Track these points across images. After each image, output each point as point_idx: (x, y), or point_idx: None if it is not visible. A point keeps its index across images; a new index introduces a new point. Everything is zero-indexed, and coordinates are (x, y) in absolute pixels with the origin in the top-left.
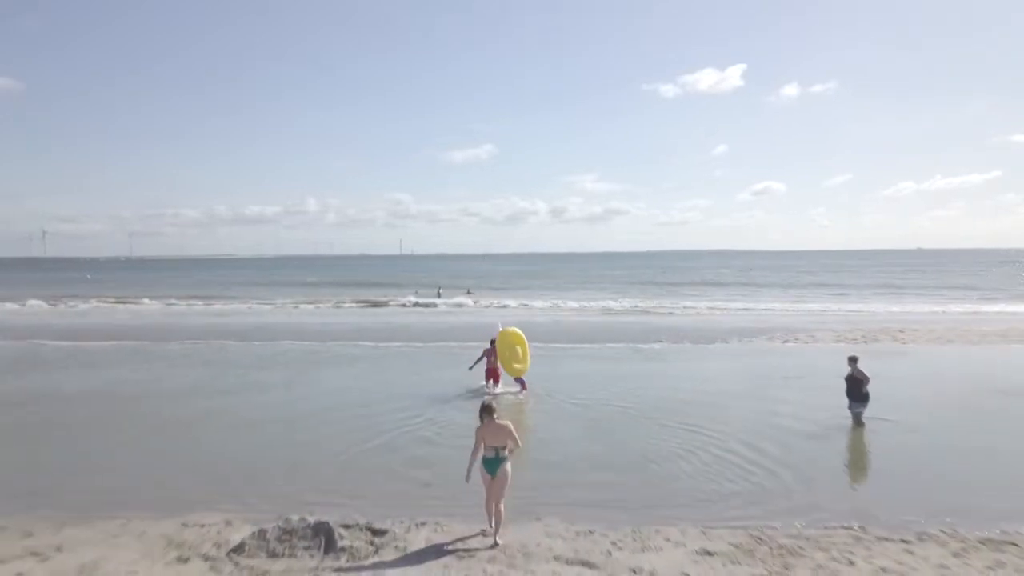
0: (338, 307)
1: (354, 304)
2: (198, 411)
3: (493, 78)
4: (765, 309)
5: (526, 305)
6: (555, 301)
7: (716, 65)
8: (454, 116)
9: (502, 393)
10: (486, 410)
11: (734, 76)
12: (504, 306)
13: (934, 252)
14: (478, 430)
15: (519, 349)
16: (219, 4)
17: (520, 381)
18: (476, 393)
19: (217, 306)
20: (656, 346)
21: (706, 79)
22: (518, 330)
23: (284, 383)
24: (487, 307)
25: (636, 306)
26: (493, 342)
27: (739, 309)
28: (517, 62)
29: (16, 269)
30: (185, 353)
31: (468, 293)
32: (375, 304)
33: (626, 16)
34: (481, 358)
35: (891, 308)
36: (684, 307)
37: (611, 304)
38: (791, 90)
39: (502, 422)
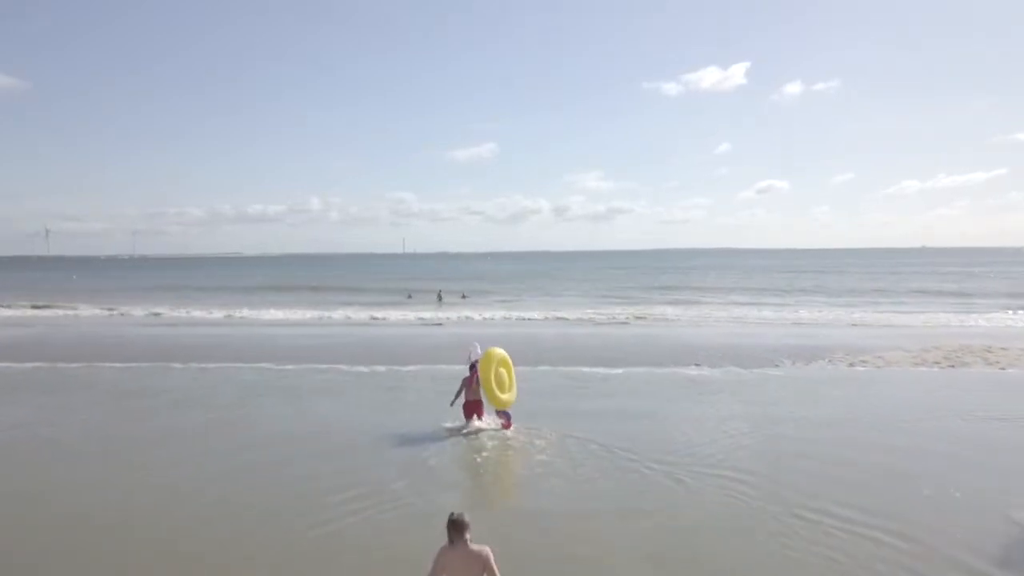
0: (324, 315)
1: (342, 309)
2: (37, 482)
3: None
4: (806, 321)
5: (524, 318)
6: (559, 308)
7: (719, 63)
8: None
9: (485, 429)
10: (456, 527)
11: (737, 74)
12: (506, 318)
13: (939, 251)
14: (438, 557)
15: (504, 374)
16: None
17: (505, 415)
18: (456, 443)
19: (180, 313)
20: (697, 371)
21: (709, 77)
22: (502, 351)
23: (199, 429)
24: (487, 319)
25: (653, 315)
26: (474, 366)
27: (774, 319)
28: (519, 61)
29: (5, 269)
30: (88, 381)
31: (463, 297)
32: (370, 307)
33: (628, 15)
34: (461, 390)
35: (954, 318)
36: (707, 316)
37: (623, 312)
38: (794, 88)
39: (476, 548)
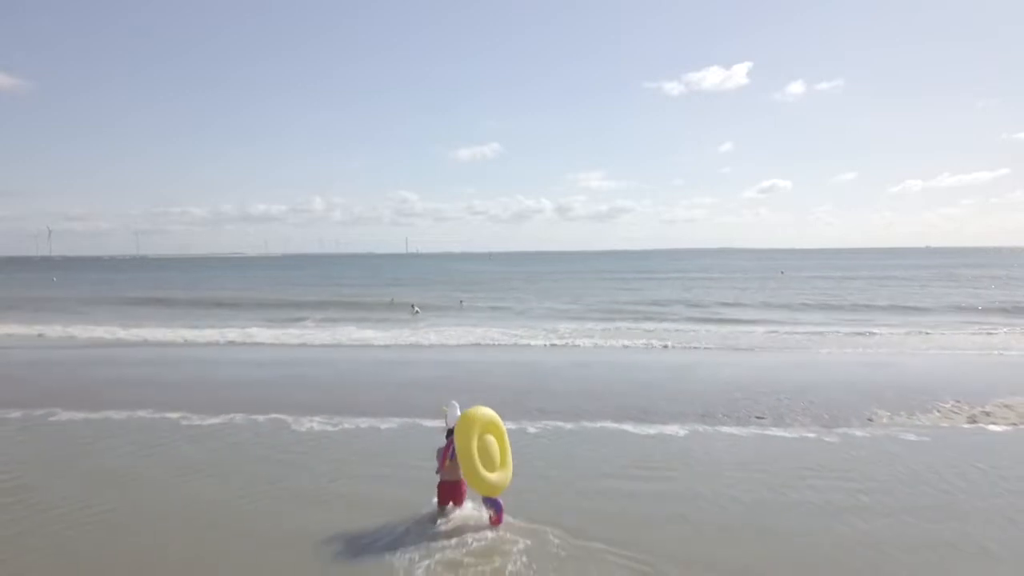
0: (284, 333)
1: (320, 323)
2: None
3: (499, 77)
4: (874, 343)
5: (515, 341)
6: (558, 322)
7: (721, 63)
8: (460, 114)
9: (465, 524)
10: None
11: (740, 74)
12: (513, 343)
13: (944, 250)
14: None
15: (493, 443)
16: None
17: (494, 504)
18: (419, 549)
19: (126, 334)
20: (760, 429)
21: (711, 77)
22: (488, 411)
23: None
24: (490, 344)
25: (678, 334)
26: (451, 434)
27: (828, 339)
28: (522, 61)
29: None
30: None
31: (461, 304)
32: (334, 323)
33: (631, 15)
34: (439, 461)
35: None
36: (743, 336)
37: (638, 329)
38: (797, 88)
39: None
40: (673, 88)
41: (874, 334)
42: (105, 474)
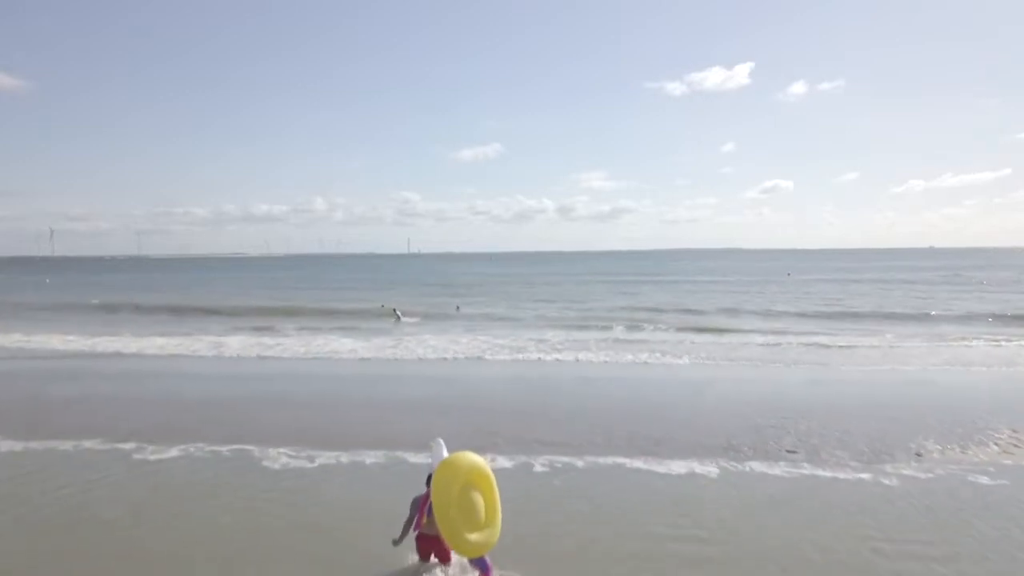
0: (273, 339)
1: (296, 334)
2: None
3: (500, 77)
4: (904, 359)
5: (521, 358)
6: (566, 331)
7: (723, 63)
8: (462, 115)
9: None
10: None
11: (742, 74)
12: (507, 358)
13: (947, 251)
14: None
15: (477, 501)
16: (225, 3)
17: (480, 563)
18: None
19: (90, 343)
20: (791, 467)
21: (713, 77)
22: (475, 459)
23: None
24: (480, 358)
25: (691, 347)
26: (430, 479)
27: (852, 353)
28: (524, 61)
29: None
30: None
31: (457, 309)
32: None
33: (633, 15)
34: (412, 519)
35: None
36: (751, 346)
37: (642, 339)
38: (799, 88)
39: None
40: (675, 88)
41: (897, 347)
42: (40, 523)
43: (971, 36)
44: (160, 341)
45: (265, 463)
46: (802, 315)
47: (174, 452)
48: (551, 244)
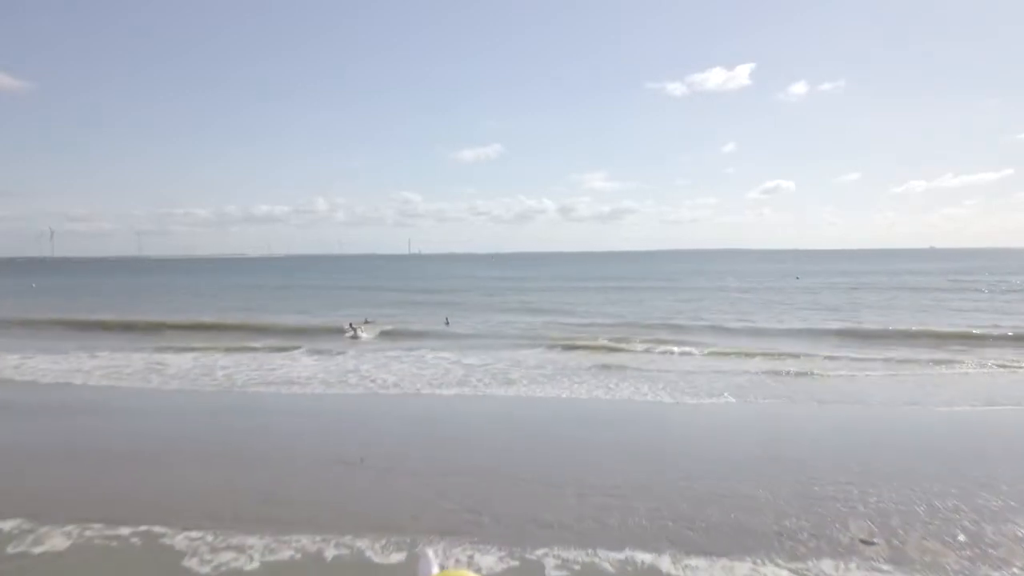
0: (226, 359)
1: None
2: None
3: (501, 78)
4: (927, 383)
5: (503, 394)
6: (559, 352)
7: (724, 64)
8: (461, 115)
9: None
10: None
11: (742, 75)
12: (485, 394)
13: (949, 252)
14: None
15: None
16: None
17: None
18: None
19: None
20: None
21: (714, 78)
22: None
23: None
24: (461, 392)
25: (697, 376)
26: None
27: (908, 384)
28: (525, 62)
29: None
30: None
31: (447, 323)
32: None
33: (632, 15)
34: None
35: None
36: (800, 375)
37: (644, 363)
38: (800, 88)
39: None
40: (676, 89)
41: (945, 373)
42: None
43: (971, 36)
44: (89, 363)
45: (180, 561)
46: (820, 333)
47: (59, 539)
48: (552, 244)
